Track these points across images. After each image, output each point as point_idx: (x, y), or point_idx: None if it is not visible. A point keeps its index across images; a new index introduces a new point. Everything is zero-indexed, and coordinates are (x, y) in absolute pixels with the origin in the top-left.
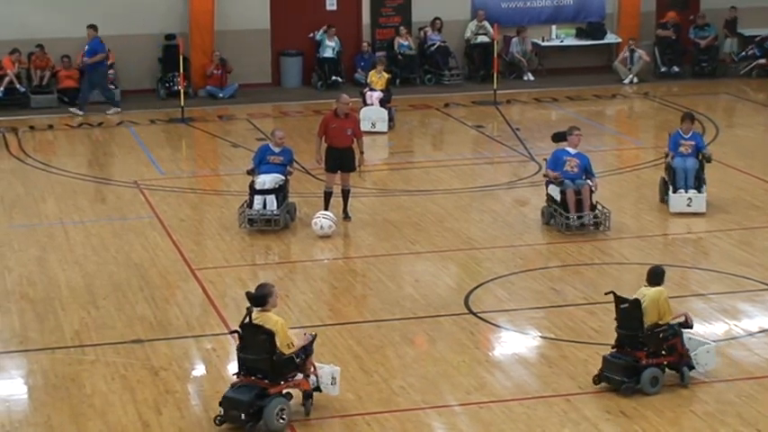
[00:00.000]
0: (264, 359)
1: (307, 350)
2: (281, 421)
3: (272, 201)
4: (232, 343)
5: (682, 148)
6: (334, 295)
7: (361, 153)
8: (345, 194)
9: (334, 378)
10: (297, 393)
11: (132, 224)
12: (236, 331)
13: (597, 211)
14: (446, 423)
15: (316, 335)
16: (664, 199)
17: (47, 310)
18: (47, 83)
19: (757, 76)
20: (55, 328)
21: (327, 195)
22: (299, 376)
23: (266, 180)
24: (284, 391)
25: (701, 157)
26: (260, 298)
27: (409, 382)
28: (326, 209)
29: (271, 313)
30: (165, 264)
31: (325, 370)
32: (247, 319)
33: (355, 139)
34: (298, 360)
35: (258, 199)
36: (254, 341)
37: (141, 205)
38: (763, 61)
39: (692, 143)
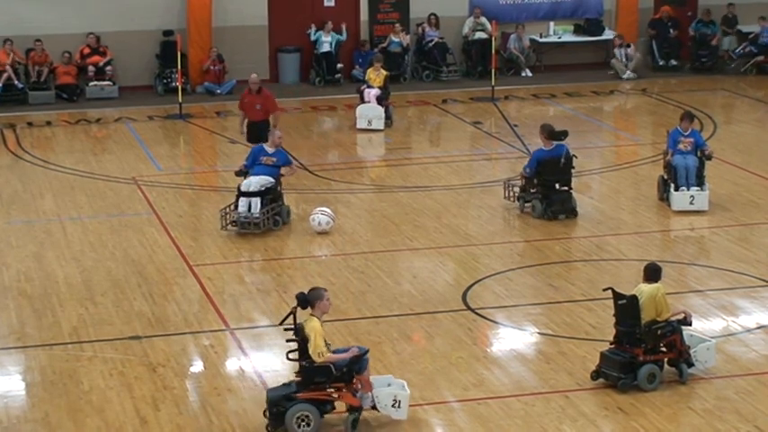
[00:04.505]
0: (301, 362)
1: (352, 364)
2: (300, 429)
3: (256, 204)
4: (230, 340)
5: (681, 146)
6: (331, 291)
7: (275, 126)
8: None
9: (397, 401)
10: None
11: (130, 220)
12: (289, 339)
13: None
14: (444, 419)
15: (368, 350)
16: (663, 197)
17: (44, 307)
18: (45, 79)
19: (756, 72)
20: (52, 324)
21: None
22: (343, 389)
23: (252, 182)
24: (317, 400)
25: (700, 155)
26: (303, 301)
27: (407, 379)
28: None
29: (314, 319)
30: (163, 260)
31: (385, 392)
32: (291, 319)
33: (272, 116)
34: (336, 372)
35: (243, 201)
36: (297, 343)
37: (139, 201)
38: (761, 58)
39: (692, 140)
